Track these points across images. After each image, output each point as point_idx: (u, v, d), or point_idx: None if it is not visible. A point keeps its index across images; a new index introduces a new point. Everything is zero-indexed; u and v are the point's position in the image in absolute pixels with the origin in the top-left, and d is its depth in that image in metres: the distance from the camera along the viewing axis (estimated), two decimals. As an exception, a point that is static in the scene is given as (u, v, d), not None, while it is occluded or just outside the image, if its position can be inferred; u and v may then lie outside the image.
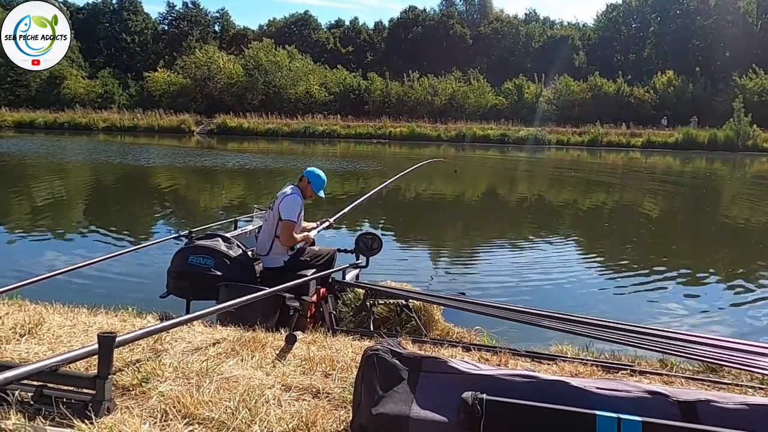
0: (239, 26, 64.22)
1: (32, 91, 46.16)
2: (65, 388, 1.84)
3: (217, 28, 63.86)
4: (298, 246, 4.48)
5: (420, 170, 9.49)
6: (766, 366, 2.61)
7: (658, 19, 51.90)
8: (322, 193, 4.65)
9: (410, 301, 4.31)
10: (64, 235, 9.32)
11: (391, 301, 4.38)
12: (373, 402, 1.68)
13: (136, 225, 10.76)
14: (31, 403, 1.80)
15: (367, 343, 2.52)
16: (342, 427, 1.80)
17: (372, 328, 3.99)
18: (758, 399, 1.85)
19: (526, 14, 61.62)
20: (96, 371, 1.79)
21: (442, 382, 1.72)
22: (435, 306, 4.38)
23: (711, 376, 2.78)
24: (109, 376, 1.79)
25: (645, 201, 15.82)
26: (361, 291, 4.48)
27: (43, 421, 1.71)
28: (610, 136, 36.18)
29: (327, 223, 4.89)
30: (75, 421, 1.67)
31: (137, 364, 2.19)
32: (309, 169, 4.64)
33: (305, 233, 4.58)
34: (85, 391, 1.80)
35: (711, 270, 7.98)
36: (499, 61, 53.85)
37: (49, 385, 1.83)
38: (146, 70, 48.51)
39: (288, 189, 4.47)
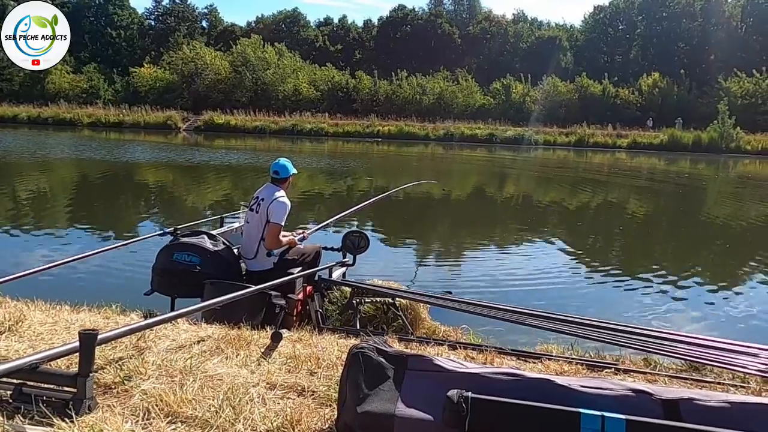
0: (227, 22, 63.77)
1: (15, 85, 45.37)
2: (45, 386, 1.80)
3: (204, 24, 63.33)
4: (280, 250, 4.42)
5: (409, 168, 9.51)
6: (746, 364, 2.64)
7: (645, 21, 52.38)
8: (294, 170, 4.59)
9: (397, 299, 4.31)
10: (46, 231, 9.19)
11: (378, 299, 4.38)
12: (358, 400, 1.67)
13: (120, 221, 10.64)
14: (10, 401, 1.76)
15: (353, 342, 2.52)
16: (327, 426, 1.79)
17: (358, 327, 3.99)
18: (739, 397, 1.87)
19: (514, 14, 61.94)
20: (77, 369, 1.77)
21: (427, 380, 1.72)
22: (421, 305, 4.39)
23: (693, 374, 2.81)
24: (91, 374, 1.76)
25: (629, 201, 15.98)
26: (347, 289, 4.48)
27: (23, 420, 1.68)
28: (596, 136, 36.53)
29: (301, 236, 4.88)
30: (55, 420, 1.64)
31: (120, 362, 2.16)
32: (280, 164, 4.46)
33: (290, 237, 4.55)
34: (65, 389, 1.77)
35: (693, 269, 8.08)
36: (487, 61, 53.98)
37: (29, 383, 1.79)
38: (132, 66, 47.95)
39: (275, 191, 4.38)
